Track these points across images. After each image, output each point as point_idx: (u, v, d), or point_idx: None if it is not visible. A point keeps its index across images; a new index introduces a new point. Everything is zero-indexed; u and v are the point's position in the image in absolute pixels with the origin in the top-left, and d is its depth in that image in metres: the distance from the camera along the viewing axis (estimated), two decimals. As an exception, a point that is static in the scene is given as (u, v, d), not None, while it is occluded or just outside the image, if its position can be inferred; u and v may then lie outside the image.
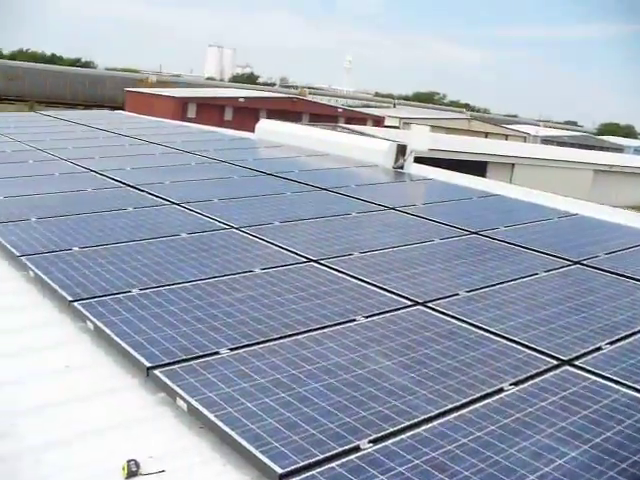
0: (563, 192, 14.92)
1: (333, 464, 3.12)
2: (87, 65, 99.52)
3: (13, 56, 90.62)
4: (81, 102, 64.19)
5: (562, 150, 51.23)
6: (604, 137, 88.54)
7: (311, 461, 3.13)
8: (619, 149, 72.82)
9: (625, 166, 46.54)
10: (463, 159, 34.46)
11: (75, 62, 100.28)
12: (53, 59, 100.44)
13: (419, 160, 11.87)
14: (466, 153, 36.34)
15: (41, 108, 40.42)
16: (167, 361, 4.05)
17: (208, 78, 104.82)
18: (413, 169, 11.07)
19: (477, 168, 32.04)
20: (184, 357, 4.10)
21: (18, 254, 5.99)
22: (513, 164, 40.11)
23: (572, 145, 64.95)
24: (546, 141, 69.45)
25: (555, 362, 4.29)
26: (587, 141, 75.16)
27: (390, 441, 3.31)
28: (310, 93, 79.19)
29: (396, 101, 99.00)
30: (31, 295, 5.53)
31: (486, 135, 61.11)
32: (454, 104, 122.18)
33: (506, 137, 64.24)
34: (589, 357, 4.39)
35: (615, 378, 4.11)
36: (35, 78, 64.18)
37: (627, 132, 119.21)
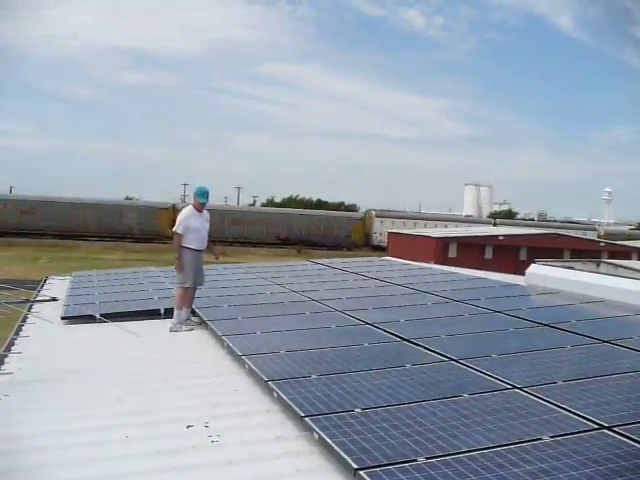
0: None
1: None
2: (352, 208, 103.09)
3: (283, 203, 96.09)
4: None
5: None
6: None
7: None
8: None
9: None
10: None
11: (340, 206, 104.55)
12: (320, 203, 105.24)
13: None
14: None
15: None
16: None
17: (467, 216, 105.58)
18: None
19: None
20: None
21: (303, 415, 6.09)
22: None
23: None
24: None
25: None
26: None
27: None
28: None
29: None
30: (314, 457, 5.57)
31: None
32: None
33: None
34: None
35: None
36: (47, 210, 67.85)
37: None
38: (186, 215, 11.18)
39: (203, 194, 11.27)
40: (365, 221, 77.89)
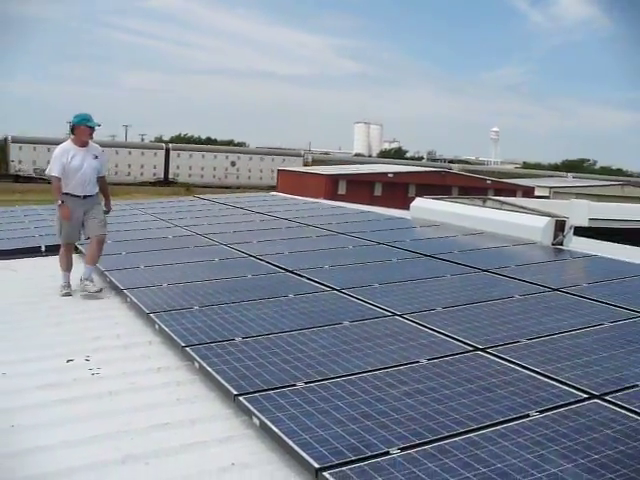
0: None
1: None
2: (241, 145, 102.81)
3: (172, 141, 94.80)
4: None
5: None
6: None
7: None
8: None
9: None
10: (625, 227, 33.36)
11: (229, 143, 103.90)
12: (209, 141, 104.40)
13: (577, 229, 11.50)
14: (622, 221, 35.20)
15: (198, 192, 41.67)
16: (336, 462, 3.94)
17: (357, 154, 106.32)
18: (573, 245, 10.72)
19: (636, 235, 30.91)
20: (354, 458, 3.98)
21: (183, 344, 6.08)
22: (678, 231, 38.51)
23: None
24: None
25: None
26: None
27: None
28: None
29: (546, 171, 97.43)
30: (195, 386, 5.58)
31: (643, 201, 59.05)
32: (605, 170, 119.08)
33: (665, 202, 61.93)
34: None
35: None
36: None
37: None
38: (60, 152, 8.66)
39: (83, 120, 8.70)
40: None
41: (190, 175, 79.03)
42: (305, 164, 77.14)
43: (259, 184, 76.88)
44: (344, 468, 3.87)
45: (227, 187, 70.28)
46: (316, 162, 74.61)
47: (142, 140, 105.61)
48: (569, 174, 79.43)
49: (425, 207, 13.63)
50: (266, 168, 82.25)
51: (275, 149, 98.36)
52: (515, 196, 48.89)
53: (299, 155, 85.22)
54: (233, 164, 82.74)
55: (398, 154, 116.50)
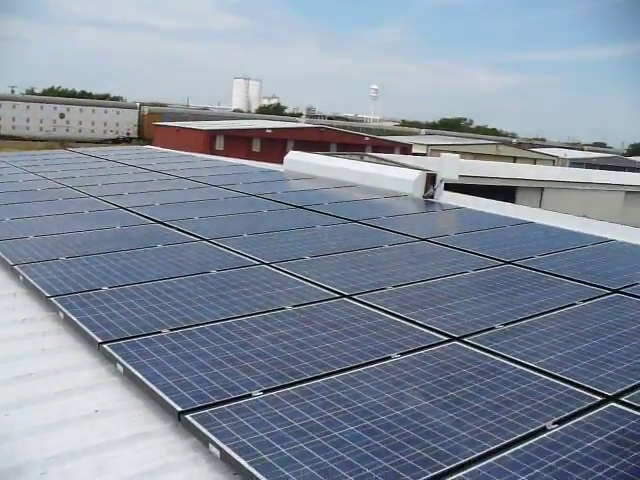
0: (594, 215, 14.75)
1: (372, 512, 3.00)
2: (117, 100, 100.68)
3: (45, 94, 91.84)
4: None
5: (592, 172, 50.87)
6: (634, 158, 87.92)
7: (349, 510, 3.01)
8: (650, 170, 72.18)
9: (657, 187, 46.07)
10: (492, 184, 34.28)
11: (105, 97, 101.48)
12: (83, 95, 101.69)
13: (449, 186, 11.76)
14: (495, 178, 36.15)
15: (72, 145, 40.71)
16: (199, 405, 3.95)
17: (235, 110, 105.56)
18: (443, 198, 10.96)
19: (507, 193, 31.85)
20: (216, 400, 4.00)
21: (48, 295, 5.94)
22: (542, 188, 39.83)
23: (601, 167, 64.50)
24: (575, 164, 68.99)
25: (600, 398, 4.13)
26: (617, 162, 74.60)
27: (431, 487, 3.19)
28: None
29: (423, 129, 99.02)
30: (61, 336, 5.48)
31: (514, 160, 60.81)
32: (481, 129, 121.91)
33: (534, 161, 63.92)
34: (636, 392, 4.23)
35: (663, 414, 3.96)
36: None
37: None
38: None
39: None
40: None
41: (14, 127, 75.75)
42: (142, 116, 76.16)
43: (92, 137, 75.15)
44: (206, 411, 3.88)
45: (55, 140, 68.00)
46: (153, 115, 73.52)
47: (12, 92, 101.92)
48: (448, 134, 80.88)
49: (298, 160, 13.64)
50: (98, 120, 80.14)
51: (108, 101, 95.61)
52: (393, 153, 49.71)
53: (134, 107, 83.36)
54: (62, 116, 79.38)
55: (277, 110, 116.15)
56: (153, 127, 59.47)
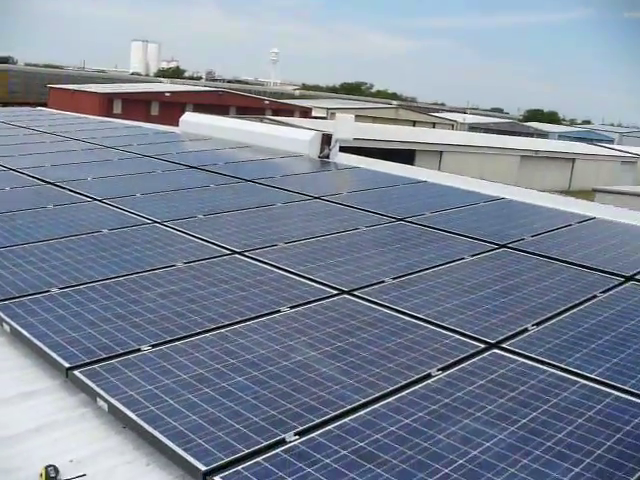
0: (491, 178, 15.06)
1: (258, 459, 3.04)
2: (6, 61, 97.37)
3: None
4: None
5: (489, 137, 51.89)
6: (529, 123, 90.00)
7: (236, 457, 3.05)
8: (544, 135, 74.05)
9: (550, 151, 47.40)
10: (391, 148, 34.67)
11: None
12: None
13: (347, 150, 11.85)
14: (394, 142, 36.54)
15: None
16: (87, 360, 3.93)
17: (134, 73, 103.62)
18: (339, 158, 11.02)
19: (405, 157, 32.25)
20: (104, 356, 3.99)
21: None
22: (441, 152, 40.44)
23: (499, 132, 65.82)
24: (473, 128, 70.20)
25: (483, 345, 4.28)
26: (513, 127, 76.22)
27: (316, 433, 3.25)
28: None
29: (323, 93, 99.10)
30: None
31: (414, 123, 61.46)
32: (381, 94, 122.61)
33: (433, 125, 64.75)
34: (516, 339, 4.39)
35: (541, 359, 4.12)
36: None
37: (551, 118, 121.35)
38: None
39: None
40: None
41: None
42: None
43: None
44: (95, 366, 3.86)
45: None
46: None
47: None
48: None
49: (194, 122, 13.52)
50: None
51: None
52: (293, 116, 49.66)
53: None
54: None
55: (176, 73, 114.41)
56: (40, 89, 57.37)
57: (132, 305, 4.73)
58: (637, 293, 5.33)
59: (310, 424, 3.31)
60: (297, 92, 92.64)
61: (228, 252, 5.93)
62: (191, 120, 13.67)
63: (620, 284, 5.53)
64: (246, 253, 5.91)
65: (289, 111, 54.76)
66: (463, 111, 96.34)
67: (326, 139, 11.08)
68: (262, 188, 8.45)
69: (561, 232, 7.02)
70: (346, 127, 11.24)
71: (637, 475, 3.03)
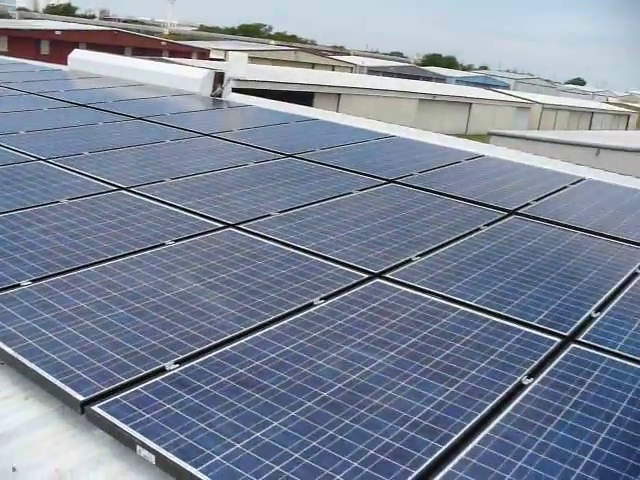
0: (389, 121, 15.16)
1: (138, 387, 3.04)
2: None
3: None
4: None
5: (388, 80, 52.15)
6: (428, 68, 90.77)
7: (115, 386, 3.04)
8: (442, 79, 74.89)
9: (448, 95, 48.04)
10: (289, 90, 34.54)
11: None
12: None
13: (245, 93, 11.75)
14: (292, 84, 36.42)
15: None
16: (-38, 297, 3.84)
17: (20, 9, 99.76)
18: (232, 97, 10.92)
19: (304, 99, 32.17)
20: (-19, 292, 3.90)
21: None
22: (339, 94, 40.51)
23: (398, 75, 66.22)
24: (372, 71, 70.41)
25: (366, 276, 4.34)
26: (412, 71, 76.75)
27: (196, 361, 3.26)
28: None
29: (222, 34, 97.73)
30: None
31: (313, 66, 61.28)
32: (280, 36, 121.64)
33: (333, 68, 64.70)
34: (399, 269, 4.47)
35: (423, 287, 4.21)
36: None
37: (449, 63, 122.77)
38: None
39: None
40: None
41: None
42: None
43: None
44: (-30, 302, 3.77)
45: None
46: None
47: None
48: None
49: (84, 59, 13.14)
50: None
51: None
52: (191, 58, 48.89)
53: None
54: None
55: (67, 11, 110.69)
56: None
57: (12, 241, 4.62)
58: (518, 226, 5.48)
59: (190, 353, 3.32)
60: (195, 33, 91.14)
61: (114, 188, 5.84)
62: (81, 58, 13.29)
63: (503, 217, 5.68)
64: (132, 189, 5.83)
65: (187, 52, 53.91)
66: (362, 55, 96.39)
67: (219, 77, 10.95)
68: (151, 125, 8.32)
69: (450, 168, 7.14)
70: (239, 65, 11.15)
71: (506, 391, 3.15)
